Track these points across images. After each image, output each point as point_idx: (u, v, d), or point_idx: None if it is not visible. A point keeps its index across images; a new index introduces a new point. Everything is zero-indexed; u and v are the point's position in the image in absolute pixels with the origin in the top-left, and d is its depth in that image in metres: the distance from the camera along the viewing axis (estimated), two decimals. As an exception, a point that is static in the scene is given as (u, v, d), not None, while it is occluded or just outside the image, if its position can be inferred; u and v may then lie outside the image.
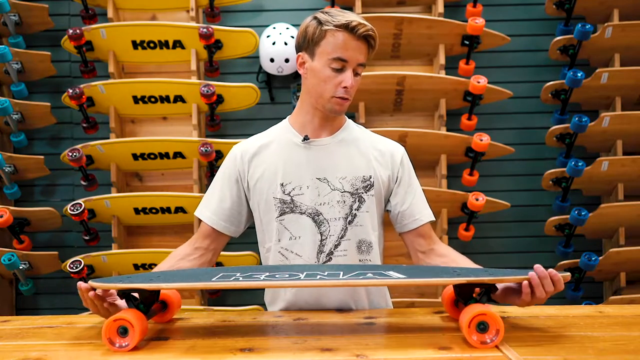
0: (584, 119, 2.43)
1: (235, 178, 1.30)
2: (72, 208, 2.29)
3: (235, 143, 2.40)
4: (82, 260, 2.32)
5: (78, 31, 2.39)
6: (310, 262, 1.23)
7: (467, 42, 2.51)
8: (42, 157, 2.53)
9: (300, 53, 1.25)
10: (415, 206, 1.30)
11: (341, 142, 1.29)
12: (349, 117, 1.38)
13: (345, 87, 1.20)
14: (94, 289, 0.94)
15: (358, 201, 1.25)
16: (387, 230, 1.36)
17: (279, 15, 2.71)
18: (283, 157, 1.27)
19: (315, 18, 1.21)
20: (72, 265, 2.28)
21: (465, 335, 0.85)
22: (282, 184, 1.25)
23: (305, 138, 1.27)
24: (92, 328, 1.02)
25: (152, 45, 2.50)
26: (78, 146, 2.39)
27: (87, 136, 2.58)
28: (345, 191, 1.25)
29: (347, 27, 1.17)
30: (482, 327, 0.86)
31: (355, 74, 1.22)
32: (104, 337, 0.85)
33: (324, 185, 1.25)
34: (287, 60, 2.51)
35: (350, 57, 1.19)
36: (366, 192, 1.26)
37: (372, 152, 1.30)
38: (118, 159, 2.50)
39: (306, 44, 1.23)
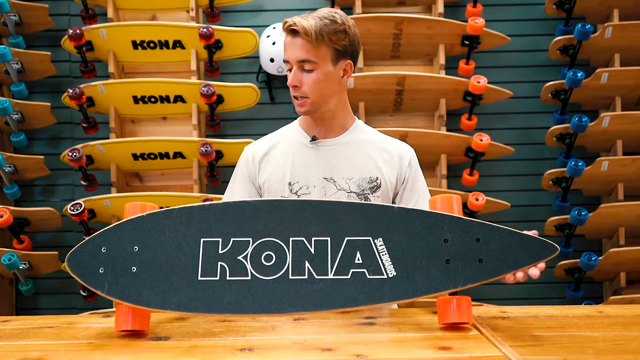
0: (584, 119, 2.42)
1: (249, 177, 1.32)
2: (72, 208, 2.29)
3: (235, 143, 2.44)
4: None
5: (78, 31, 2.39)
6: None
7: (467, 42, 2.51)
8: (42, 157, 2.53)
9: None
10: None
11: (349, 143, 1.29)
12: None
13: (290, 86, 1.21)
14: None
15: (364, 201, 1.25)
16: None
17: (279, 15, 2.72)
18: (291, 157, 1.28)
19: None
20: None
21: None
22: (290, 184, 1.26)
23: (314, 138, 1.28)
24: (92, 328, 1.02)
25: (152, 45, 2.50)
26: (78, 146, 2.39)
27: (87, 136, 2.58)
28: (351, 191, 1.25)
29: (284, 28, 1.20)
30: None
31: (307, 70, 1.20)
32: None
33: (331, 185, 1.25)
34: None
35: (288, 56, 1.21)
36: (372, 193, 1.26)
37: (380, 153, 1.29)
38: (118, 159, 2.50)
39: None
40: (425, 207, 1.29)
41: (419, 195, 1.31)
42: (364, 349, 0.83)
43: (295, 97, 1.23)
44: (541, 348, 0.85)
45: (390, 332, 0.97)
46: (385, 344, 0.88)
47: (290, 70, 1.22)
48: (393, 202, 1.31)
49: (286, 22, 1.19)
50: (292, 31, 1.18)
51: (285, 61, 1.22)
